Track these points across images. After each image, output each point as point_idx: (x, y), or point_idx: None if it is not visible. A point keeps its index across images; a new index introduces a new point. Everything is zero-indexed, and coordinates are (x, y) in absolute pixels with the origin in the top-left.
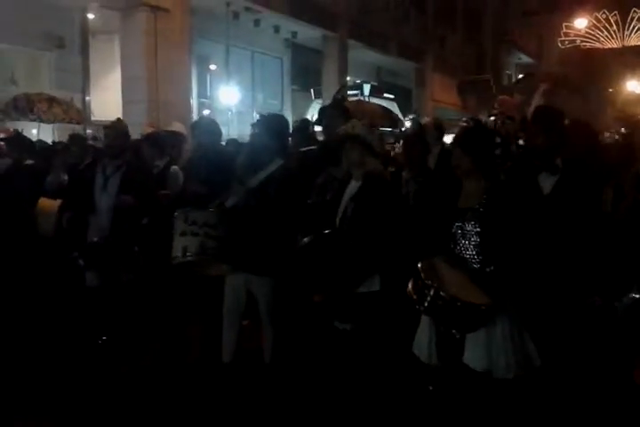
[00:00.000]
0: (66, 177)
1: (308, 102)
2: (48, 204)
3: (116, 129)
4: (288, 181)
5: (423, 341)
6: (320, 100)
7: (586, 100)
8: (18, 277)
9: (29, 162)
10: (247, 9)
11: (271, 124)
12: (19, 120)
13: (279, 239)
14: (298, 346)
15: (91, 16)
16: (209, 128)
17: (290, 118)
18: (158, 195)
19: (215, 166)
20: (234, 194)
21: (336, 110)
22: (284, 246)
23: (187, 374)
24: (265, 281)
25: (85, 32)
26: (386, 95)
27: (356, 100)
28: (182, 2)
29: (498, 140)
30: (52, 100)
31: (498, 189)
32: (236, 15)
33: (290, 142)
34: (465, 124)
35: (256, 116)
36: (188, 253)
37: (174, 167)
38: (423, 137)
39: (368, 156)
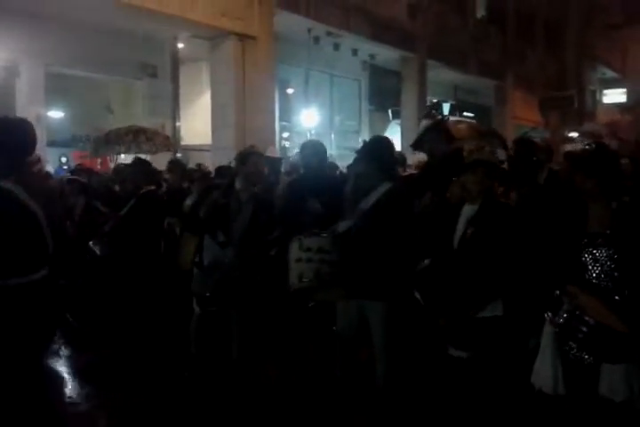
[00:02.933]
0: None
1: (386, 123)
2: (191, 238)
3: (258, 155)
4: (399, 204)
5: (546, 370)
6: (398, 121)
7: None
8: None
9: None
10: (328, 33)
11: (377, 148)
12: (106, 154)
13: (393, 263)
14: (411, 371)
15: (180, 45)
16: (317, 151)
17: (367, 139)
18: None
19: (322, 190)
20: (345, 218)
21: (440, 133)
22: (398, 271)
23: (298, 390)
24: (378, 306)
25: (176, 60)
26: (465, 114)
27: (456, 121)
28: (267, 29)
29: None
30: (138, 132)
31: (625, 211)
32: (316, 40)
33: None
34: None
35: (333, 138)
36: (304, 280)
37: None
38: (534, 154)
39: (495, 182)
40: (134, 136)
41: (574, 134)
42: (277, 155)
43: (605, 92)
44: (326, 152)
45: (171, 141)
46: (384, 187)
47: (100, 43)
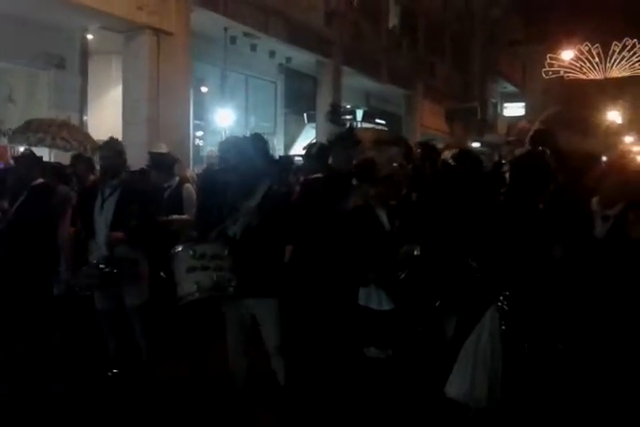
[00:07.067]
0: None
1: (301, 126)
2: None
3: (112, 148)
4: (279, 202)
5: (464, 381)
6: (313, 124)
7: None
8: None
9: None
10: (245, 34)
11: (251, 146)
12: (21, 142)
13: (281, 260)
14: (316, 367)
15: (90, 37)
16: (236, 148)
17: (282, 141)
18: (161, 221)
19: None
20: (233, 221)
21: (349, 141)
22: (285, 267)
23: (200, 399)
24: (268, 303)
25: (85, 52)
26: (377, 121)
27: (364, 128)
28: (184, 25)
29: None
30: (61, 126)
31: None
32: (233, 40)
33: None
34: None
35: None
36: (202, 289)
37: (187, 185)
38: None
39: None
40: (58, 128)
41: (476, 144)
42: (164, 150)
43: (506, 105)
44: (251, 149)
45: (92, 139)
46: (265, 185)
47: (2, 29)
